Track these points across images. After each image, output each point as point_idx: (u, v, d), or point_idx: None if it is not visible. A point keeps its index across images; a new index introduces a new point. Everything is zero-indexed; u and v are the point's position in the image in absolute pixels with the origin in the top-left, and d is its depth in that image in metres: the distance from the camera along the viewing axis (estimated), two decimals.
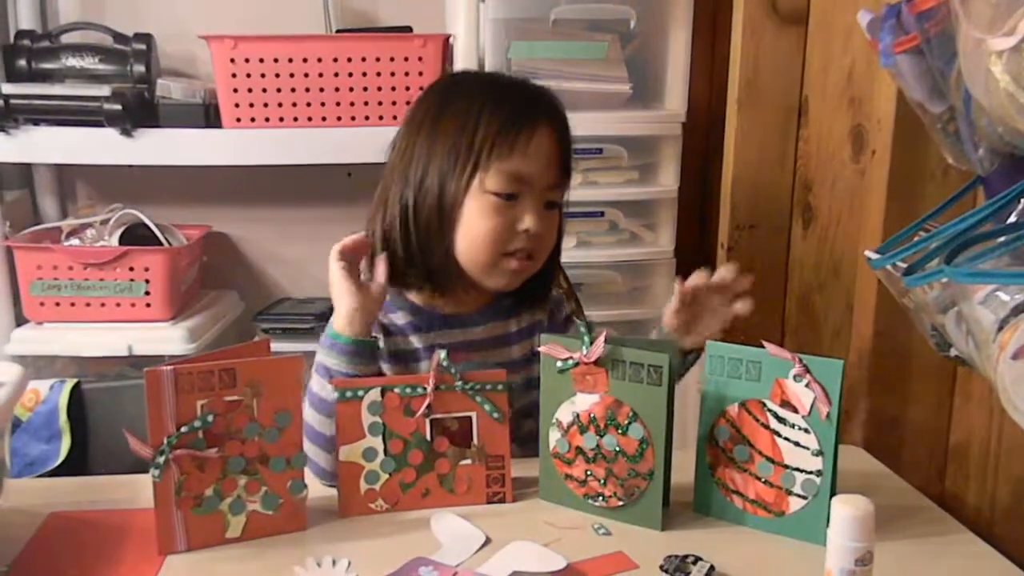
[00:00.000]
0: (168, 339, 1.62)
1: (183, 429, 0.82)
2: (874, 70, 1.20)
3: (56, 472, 1.16)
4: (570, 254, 1.66)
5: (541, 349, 0.92)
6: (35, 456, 1.16)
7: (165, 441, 0.82)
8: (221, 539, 0.85)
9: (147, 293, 1.63)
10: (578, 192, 1.67)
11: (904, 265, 0.88)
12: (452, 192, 0.97)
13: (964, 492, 1.06)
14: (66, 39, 1.73)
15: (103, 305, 1.63)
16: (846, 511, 0.67)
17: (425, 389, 0.91)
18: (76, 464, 1.18)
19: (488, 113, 0.97)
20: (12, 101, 1.58)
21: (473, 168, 0.96)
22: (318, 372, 0.96)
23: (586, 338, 0.89)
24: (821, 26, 1.41)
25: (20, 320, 1.67)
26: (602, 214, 1.71)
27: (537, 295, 1.08)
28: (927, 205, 1.02)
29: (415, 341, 1.04)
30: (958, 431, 1.09)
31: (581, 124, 1.63)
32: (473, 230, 0.97)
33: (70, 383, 1.21)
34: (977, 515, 1.03)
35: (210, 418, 0.83)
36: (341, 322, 0.95)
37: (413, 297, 1.05)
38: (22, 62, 1.68)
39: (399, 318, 1.04)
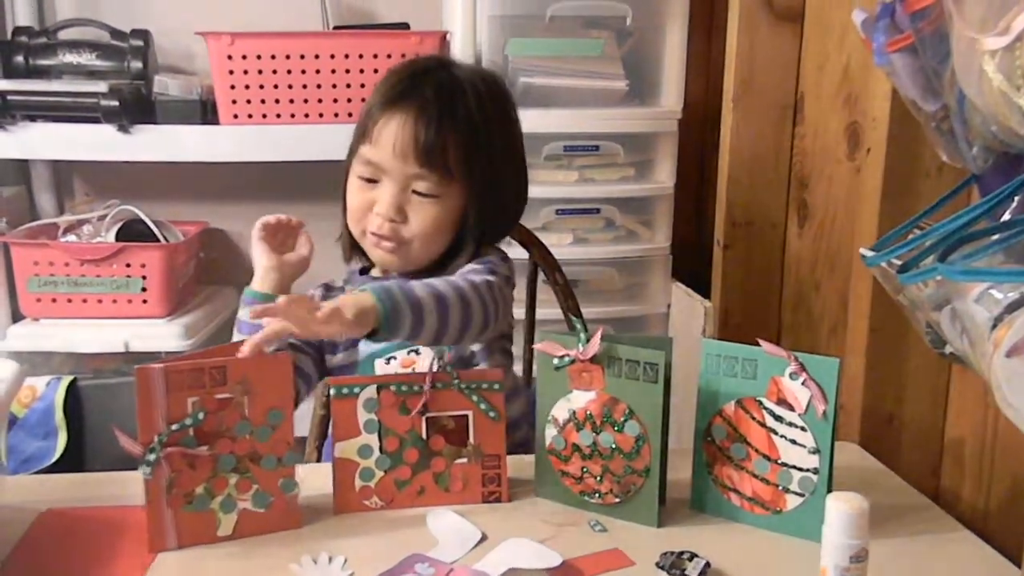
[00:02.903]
0: (165, 335, 1.63)
1: (174, 427, 0.82)
2: (869, 68, 1.20)
3: (53, 469, 1.16)
4: (566, 250, 1.66)
5: (537, 346, 0.92)
6: (31, 453, 1.16)
7: (156, 439, 0.81)
8: (213, 537, 0.85)
9: (144, 289, 1.63)
10: (574, 189, 1.68)
11: (899, 263, 0.88)
12: (345, 172, 1.08)
13: (959, 489, 1.07)
14: (63, 35, 1.73)
15: (100, 301, 1.63)
16: (841, 508, 0.67)
17: (421, 387, 0.91)
18: (73, 460, 1.18)
19: (371, 97, 1.05)
20: (9, 97, 1.58)
21: (350, 153, 1.07)
22: (236, 327, 1.07)
23: (582, 335, 0.89)
24: (816, 23, 1.41)
25: (16, 316, 1.68)
26: (598, 211, 1.72)
27: (444, 268, 1.07)
28: (922, 203, 1.02)
29: None
30: (953, 428, 1.10)
31: (577, 121, 1.66)
32: (347, 204, 1.08)
33: (66, 380, 1.21)
34: (972, 512, 1.03)
35: (201, 416, 0.83)
36: (255, 279, 1.06)
37: (356, 264, 1.14)
38: (19, 58, 1.68)
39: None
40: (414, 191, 1.03)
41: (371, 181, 1.04)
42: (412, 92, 1.02)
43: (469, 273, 1.01)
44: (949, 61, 0.78)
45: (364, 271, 1.13)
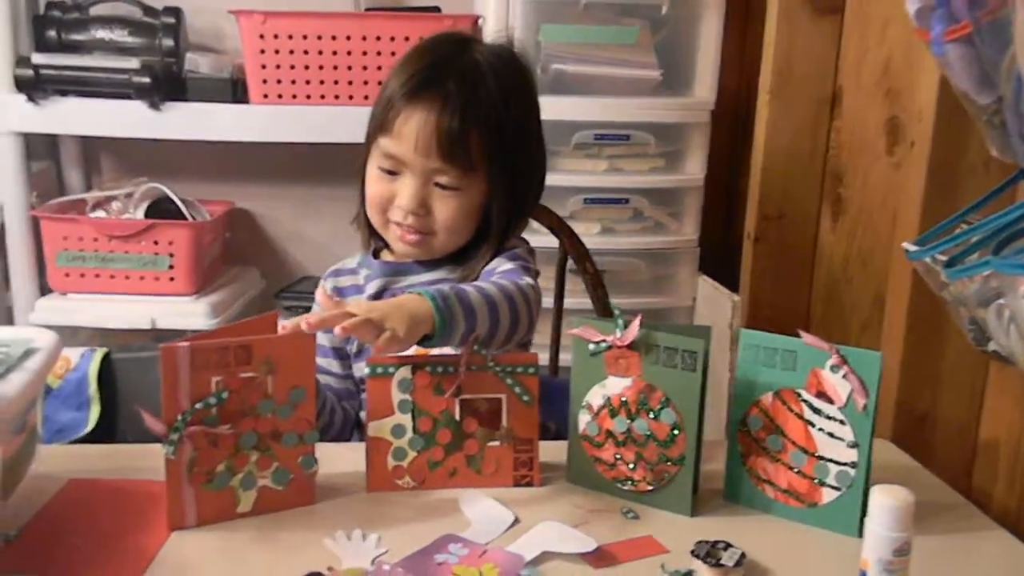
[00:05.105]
0: (191, 313, 1.63)
1: (197, 406, 0.81)
2: (913, 61, 1.19)
3: (85, 440, 1.17)
4: (594, 241, 1.65)
5: (574, 332, 0.91)
6: (64, 423, 1.16)
7: (180, 418, 0.81)
8: (232, 514, 0.85)
9: (171, 267, 1.63)
10: (604, 178, 1.67)
11: (944, 258, 0.87)
12: (363, 157, 1.06)
13: (992, 488, 1.06)
14: (95, 11, 1.73)
15: (127, 278, 1.63)
16: (887, 501, 0.66)
17: (456, 369, 0.91)
18: (105, 432, 1.19)
19: (389, 83, 1.03)
20: (41, 71, 1.58)
21: (369, 140, 1.05)
22: None
23: (620, 321, 0.88)
24: (858, 16, 1.39)
25: (45, 290, 1.68)
26: (627, 201, 1.71)
27: (464, 257, 1.08)
28: (967, 198, 1.01)
29: (369, 289, 1.09)
30: (988, 428, 1.08)
31: (609, 110, 1.65)
32: (367, 193, 1.06)
33: (100, 352, 1.22)
34: (1004, 512, 1.02)
35: (225, 395, 0.82)
36: None
37: (382, 251, 1.12)
38: (52, 33, 1.68)
39: (360, 277, 1.11)
40: (436, 184, 1.02)
41: (391, 173, 1.03)
42: (434, 84, 1.00)
43: (510, 273, 1.01)
44: (1007, 52, 0.77)
45: (375, 254, 1.13)
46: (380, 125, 1.02)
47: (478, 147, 1.01)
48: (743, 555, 0.78)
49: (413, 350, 0.99)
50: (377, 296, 1.10)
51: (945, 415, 1.12)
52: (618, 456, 0.91)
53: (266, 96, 1.64)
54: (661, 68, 1.67)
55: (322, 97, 1.65)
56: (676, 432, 0.87)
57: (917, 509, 0.72)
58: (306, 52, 1.63)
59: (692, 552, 0.78)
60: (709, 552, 0.78)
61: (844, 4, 1.42)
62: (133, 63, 1.61)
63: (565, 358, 1.19)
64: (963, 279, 0.85)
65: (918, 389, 1.12)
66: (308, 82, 1.64)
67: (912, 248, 0.92)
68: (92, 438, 1.18)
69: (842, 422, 0.85)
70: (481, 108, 1.00)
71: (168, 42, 1.70)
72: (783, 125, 1.47)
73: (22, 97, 1.60)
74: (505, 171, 1.04)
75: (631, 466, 0.90)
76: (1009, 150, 0.84)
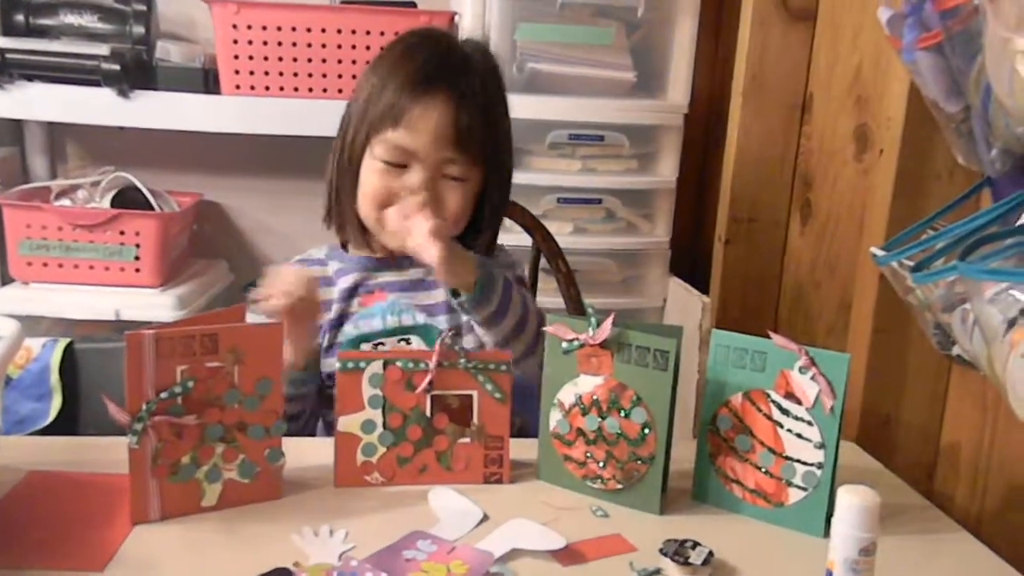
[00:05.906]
0: (156, 305, 1.60)
1: (162, 395, 0.80)
2: (883, 69, 1.21)
3: (46, 431, 1.15)
4: (566, 240, 1.65)
5: (547, 329, 0.92)
6: (25, 414, 1.14)
7: (144, 407, 0.79)
8: (196, 508, 0.83)
9: (137, 258, 1.60)
10: (577, 179, 1.68)
11: (911, 263, 0.89)
12: (356, 151, 1.04)
13: (953, 491, 1.08)
14: None
15: (92, 268, 1.60)
16: (853, 501, 0.67)
17: (428, 364, 0.90)
18: (66, 424, 1.16)
19: (391, 77, 1.02)
20: (7, 56, 1.55)
21: (367, 133, 1.03)
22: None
23: (593, 319, 0.89)
24: (829, 24, 1.41)
25: (6, 279, 1.65)
26: (600, 201, 1.71)
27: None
28: (932, 205, 1.03)
29: (342, 283, 1.10)
30: (950, 432, 1.10)
31: (583, 110, 1.65)
32: (363, 187, 1.05)
33: (63, 342, 1.19)
34: (965, 515, 1.04)
35: (190, 384, 0.81)
36: (295, 361, 1.03)
37: (351, 246, 1.12)
38: (19, 17, 1.64)
39: (329, 269, 1.12)
40: (444, 175, 1.03)
41: (398, 166, 1.02)
42: (442, 75, 1.01)
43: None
44: (976, 61, 0.78)
45: (344, 245, 1.13)
46: (387, 119, 1.01)
47: (481, 137, 1.03)
48: (711, 554, 0.79)
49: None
50: (351, 290, 1.09)
51: (908, 418, 1.13)
52: (588, 454, 0.91)
53: (238, 87, 1.62)
54: (635, 70, 1.67)
55: (295, 90, 1.63)
56: (646, 431, 0.87)
57: (881, 510, 0.73)
58: (279, 44, 1.61)
59: (660, 550, 0.79)
60: (677, 551, 0.79)
61: (816, 11, 1.44)
62: (102, 49, 1.58)
63: None
64: (929, 284, 0.86)
65: (882, 392, 1.14)
66: (281, 74, 1.62)
67: (880, 253, 0.93)
68: (53, 430, 1.15)
69: (810, 423, 0.86)
70: (479, 101, 1.03)
71: (139, 29, 1.67)
72: (754, 130, 1.48)
73: None
74: (496, 162, 1.07)
75: (601, 464, 0.90)
76: (975, 158, 0.86)
